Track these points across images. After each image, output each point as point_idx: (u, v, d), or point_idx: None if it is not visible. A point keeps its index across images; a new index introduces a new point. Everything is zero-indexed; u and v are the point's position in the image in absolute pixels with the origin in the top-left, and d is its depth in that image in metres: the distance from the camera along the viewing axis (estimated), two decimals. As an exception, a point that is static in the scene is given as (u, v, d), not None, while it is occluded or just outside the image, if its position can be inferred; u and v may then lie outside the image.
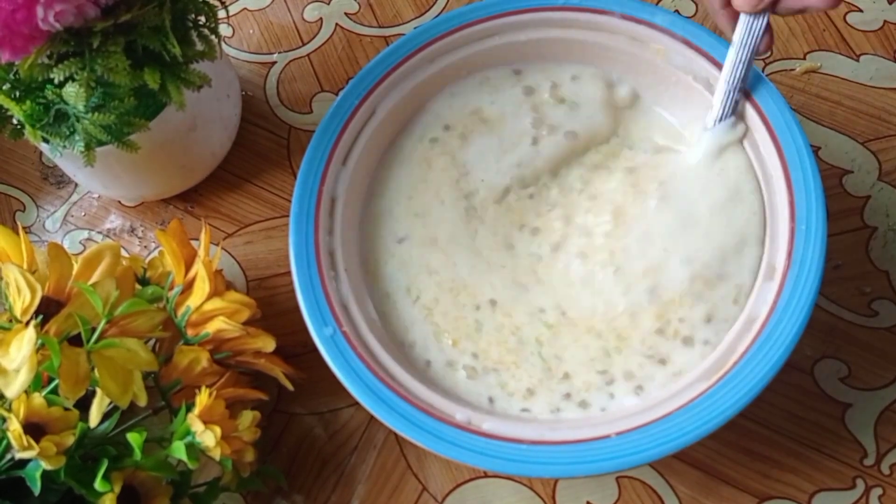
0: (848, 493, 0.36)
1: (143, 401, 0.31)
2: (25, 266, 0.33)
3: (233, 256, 0.44)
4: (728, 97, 0.33)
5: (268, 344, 0.36)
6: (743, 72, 0.33)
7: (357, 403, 0.32)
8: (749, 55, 0.32)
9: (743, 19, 0.32)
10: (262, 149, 0.46)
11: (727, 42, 0.37)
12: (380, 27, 0.49)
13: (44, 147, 0.38)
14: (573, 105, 0.38)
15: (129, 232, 0.45)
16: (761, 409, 0.38)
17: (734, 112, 0.34)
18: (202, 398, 0.32)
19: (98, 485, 0.31)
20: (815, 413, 0.38)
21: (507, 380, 0.34)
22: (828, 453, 0.37)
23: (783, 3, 0.30)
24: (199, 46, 0.37)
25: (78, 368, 0.30)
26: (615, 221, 0.35)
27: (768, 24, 0.32)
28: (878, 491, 0.36)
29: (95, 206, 0.46)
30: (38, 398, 0.30)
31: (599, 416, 0.32)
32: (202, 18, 0.37)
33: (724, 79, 0.33)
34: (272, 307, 0.41)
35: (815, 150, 0.43)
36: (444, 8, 0.49)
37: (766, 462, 0.37)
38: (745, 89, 0.34)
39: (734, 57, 0.33)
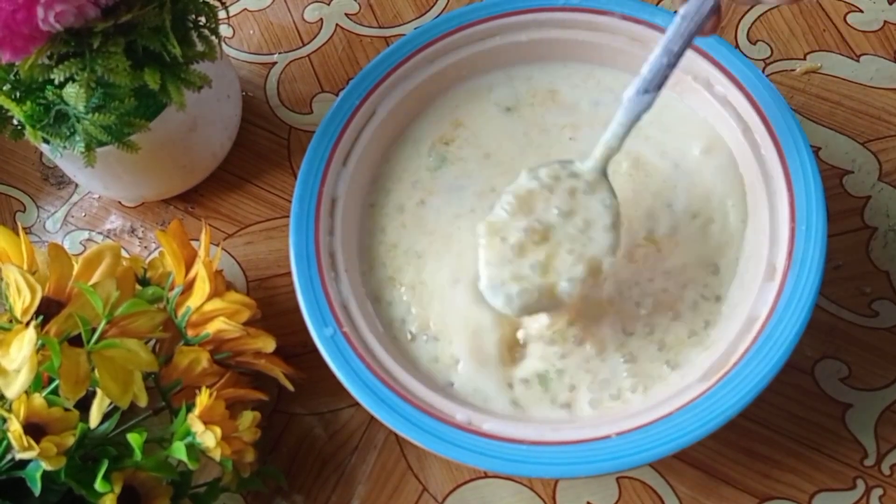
0: (848, 494, 0.36)
1: (143, 401, 0.32)
2: (26, 267, 0.33)
3: (233, 257, 0.44)
4: (659, 70, 0.31)
5: (268, 344, 0.36)
6: (682, 46, 0.31)
7: (357, 404, 0.32)
8: (691, 30, 0.31)
9: None
10: (262, 149, 0.46)
11: (728, 43, 0.37)
12: (380, 28, 0.49)
13: (44, 148, 0.38)
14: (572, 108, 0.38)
15: (130, 232, 0.45)
16: (762, 410, 0.38)
17: (659, 87, 0.31)
18: (202, 398, 0.32)
19: (98, 485, 0.31)
20: (816, 413, 0.38)
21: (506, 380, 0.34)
22: (828, 454, 0.37)
23: None
24: (200, 47, 0.37)
25: (78, 369, 0.30)
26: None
27: (718, 6, 0.30)
28: (879, 491, 0.36)
29: (96, 207, 0.46)
30: (38, 399, 0.30)
31: (600, 416, 0.32)
32: (202, 19, 0.37)
33: (661, 49, 0.31)
34: (272, 307, 0.41)
35: (816, 150, 0.43)
36: (444, 8, 0.49)
37: (766, 462, 0.37)
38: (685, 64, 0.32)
39: (676, 29, 0.31)
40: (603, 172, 0.33)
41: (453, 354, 0.34)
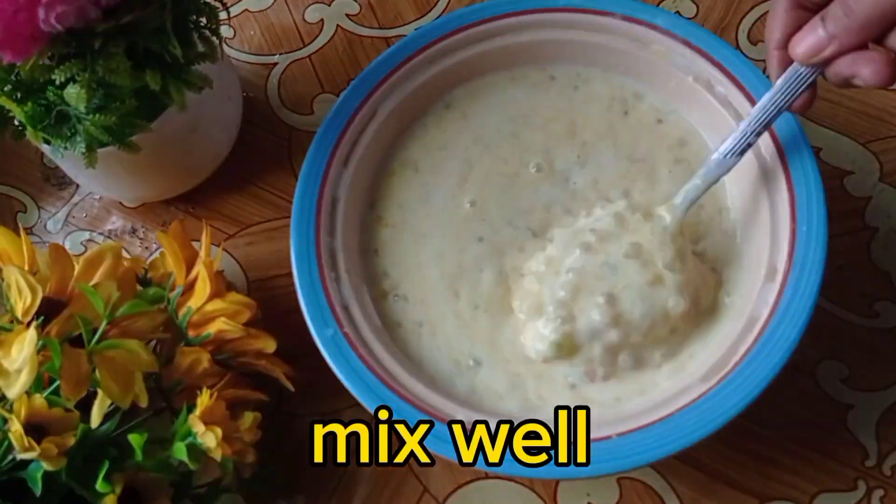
0: (849, 495, 0.36)
1: (144, 402, 0.32)
2: (27, 267, 0.33)
3: (234, 257, 0.44)
4: (745, 137, 0.32)
5: (269, 345, 0.36)
6: (769, 118, 0.32)
7: (358, 404, 0.32)
8: (783, 104, 0.31)
9: (793, 68, 0.30)
10: (263, 150, 0.46)
11: (729, 44, 0.37)
12: (381, 28, 0.49)
13: (45, 148, 0.38)
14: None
15: (131, 233, 0.45)
16: (762, 411, 0.38)
17: (742, 154, 0.32)
18: (203, 399, 0.32)
19: (99, 486, 0.31)
20: (817, 414, 0.38)
21: (508, 380, 0.34)
22: (829, 455, 0.37)
23: (834, 68, 0.29)
24: (201, 48, 0.37)
25: (79, 369, 0.30)
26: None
27: (814, 84, 0.30)
28: (880, 492, 0.36)
29: (97, 208, 0.46)
30: (39, 399, 0.30)
31: (601, 416, 0.32)
32: (203, 20, 0.37)
33: (751, 117, 0.32)
34: (273, 308, 0.41)
35: (816, 151, 0.43)
36: (445, 9, 0.49)
37: (767, 463, 0.37)
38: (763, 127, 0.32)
39: (768, 101, 0.31)
40: (679, 226, 0.34)
41: (454, 354, 0.34)
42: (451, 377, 0.34)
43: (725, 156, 0.33)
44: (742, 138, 0.32)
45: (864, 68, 0.28)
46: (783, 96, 0.31)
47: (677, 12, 0.46)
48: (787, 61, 0.31)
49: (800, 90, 0.31)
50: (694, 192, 0.33)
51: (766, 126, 0.32)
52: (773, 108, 0.31)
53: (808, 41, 0.29)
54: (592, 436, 0.31)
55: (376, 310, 0.35)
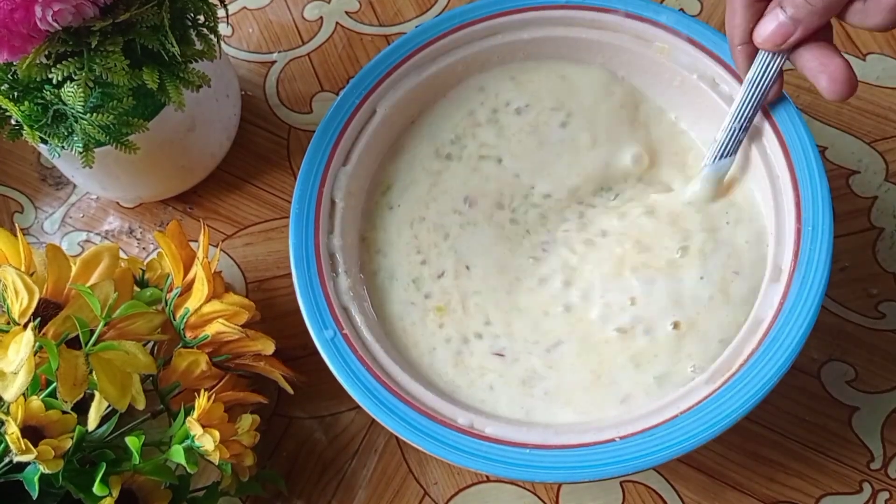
0: (854, 498, 0.36)
1: (141, 404, 0.31)
2: (23, 268, 0.33)
3: (232, 258, 0.43)
4: (732, 135, 0.33)
5: (267, 346, 0.36)
6: (750, 112, 0.32)
7: (358, 407, 0.32)
8: (760, 96, 0.32)
9: (759, 58, 0.31)
10: (261, 149, 0.46)
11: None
12: (381, 26, 0.48)
13: (42, 148, 0.38)
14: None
15: (128, 233, 0.44)
16: (767, 413, 0.37)
17: (735, 151, 0.33)
18: (201, 401, 0.32)
19: (96, 489, 0.30)
20: (822, 416, 0.37)
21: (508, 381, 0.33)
22: (834, 457, 0.37)
23: (799, 61, 0.30)
24: (199, 46, 0.36)
25: (76, 371, 0.30)
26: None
27: (781, 71, 0.31)
28: (885, 495, 0.36)
29: (94, 208, 0.45)
30: (35, 401, 0.30)
31: (603, 419, 0.32)
32: (201, 17, 0.37)
33: (731, 116, 0.33)
34: (272, 309, 0.41)
35: (822, 150, 0.42)
36: (445, 6, 0.48)
37: (772, 466, 0.37)
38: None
39: (744, 95, 0.32)
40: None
41: (456, 355, 0.34)
42: (452, 379, 0.34)
43: (717, 158, 0.33)
44: (730, 137, 0.33)
45: (824, 82, 0.29)
46: (758, 88, 0.32)
47: (681, 10, 0.45)
48: (752, 55, 0.31)
49: (772, 79, 0.31)
50: (700, 196, 0.34)
51: (751, 120, 0.32)
52: (751, 100, 0.32)
53: (772, 28, 0.30)
54: (595, 439, 0.30)
55: (376, 311, 0.35)
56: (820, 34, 0.30)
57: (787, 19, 0.29)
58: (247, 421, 0.34)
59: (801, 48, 0.30)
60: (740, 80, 0.35)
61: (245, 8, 0.50)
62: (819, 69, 0.29)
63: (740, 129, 0.33)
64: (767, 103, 0.32)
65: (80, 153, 0.34)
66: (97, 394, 0.30)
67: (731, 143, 0.33)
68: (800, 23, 0.29)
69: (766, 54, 0.31)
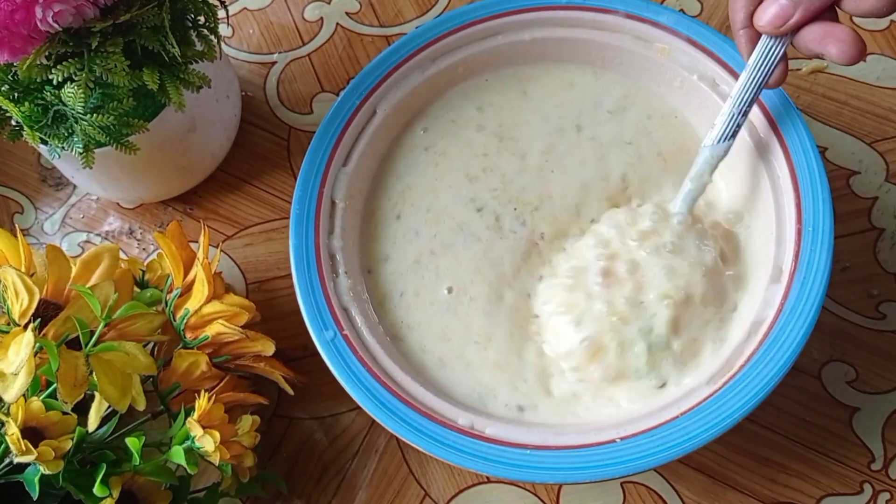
0: (855, 498, 0.36)
1: (141, 405, 0.31)
2: (23, 269, 0.33)
3: (232, 259, 0.43)
4: (732, 119, 0.32)
5: (267, 347, 0.35)
6: (751, 96, 0.32)
7: (358, 408, 0.32)
8: (761, 80, 0.32)
9: (762, 42, 0.31)
10: (262, 150, 0.46)
11: (732, 42, 0.36)
12: (381, 27, 0.48)
13: (42, 149, 0.38)
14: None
15: (128, 234, 0.44)
16: (768, 413, 0.37)
17: (734, 135, 0.33)
18: (201, 402, 0.32)
19: (97, 490, 0.30)
20: (823, 417, 0.37)
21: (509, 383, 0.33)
22: (835, 458, 0.37)
23: (803, 42, 0.30)
24: (199, 47, 0.36)
25: (76, 372, 0.30)
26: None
27: (785, 54, 0.31)
28: (886, 496, 0.36)
29: (94, 209, 0.45)
30: (36, 402, 0.30)
31: (604, 420, 0.32)
32: (202, 18, 0.37)
33: (732, 99, 0.32)
34: (272, 310, 0.41)
35: (822, 150, 0.42)
36: (446, 7, 0.48)
37: (772, 466, 0.37)
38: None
39: (745, 79, 0.32)
40: (689, 218, 0.34)
41: (456, 356, 0.34)
42: (452, 379, 0.34)
43: (716, 141, 0.33)
44: (729, 121, 0.33)
45: (832, 47, 0.29)
46: (759, 72, 0.32)
47: (682, 10, 0.45)
48: (755, 39, 0.31)
49: (774, 63, 0.31)
50: (695, 185, 0.34)
51: (751, 104, 0.32)
52: (752, 85, 0.32)
53: (773, 11, 0.29)
54: (596, 440, 0.30)
55: (376, 312, 0.35)
56: (822, 16, 0.29)
57: (787, 1, 0.29)
58: (247, 422, 0.34)
59: (803, 30, 0.30)
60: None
61: (245, 9, 0.50)
62: (824, 36, 0.29)
63: (740, 114, 0.32)
64: (769, 87, 0.32)
65: (81, 154, 0.34)
66: (97, 395, 0.30)
67: (730, 127, 0.33)
68: (799, 4, 0.29)
69: (769, 38, 0.31)
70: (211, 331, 0.35)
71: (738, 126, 0.33)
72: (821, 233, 0.32)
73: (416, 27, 0.39)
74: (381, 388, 0.32)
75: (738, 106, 0.32)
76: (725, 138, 0.33)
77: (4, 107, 0.34)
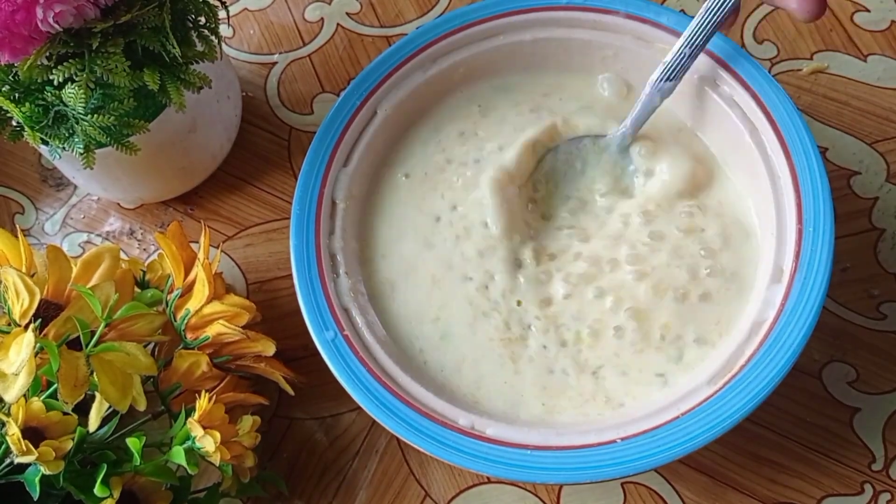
0: (856, 499, 0.36)
1: (142, 405, 0.31)
2: (24, 269, 0.33)
3: (233, 259, 0.43)
4: (681, 59, 0.34)
5: (268, 348, 0.36)
6: (703, 38, 0.33)
7: (359, 408, 0.32)
8: (714, 23, 0.33)
9: None
10: (262, 150, 0.46)
11: (733, 42, 0.36)
12: (382, 27, 0.48)
13: (43, 149, 0.38)
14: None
15: (129, 234, 0.44)
16: (769, 414, 0.37)
17: (680, 77, 0.34)
18: (202, 403, 0.32)
19: (97, 490, 0.30)
20: (823, 417, 0.37)
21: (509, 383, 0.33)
22: (836, 458, 0.37)
23: None
24: (199, 47, 0.36)
25: (77, 372, 0.30)
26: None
27: (738, 3, 0.32)
28: (887, 496, 0.36)
29: (95, 209, 0.45)
30: (36, 402, 0.30)
31: (605, 420, 0.32)
32: (202, 19, 0.37)
33: (684, 39, 0.33)
34: (272, 310, 0.41)
35: (823, 151, 0.42)
36: (446, 7, 0.48)
37: (773, 467, 0.37)
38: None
39: (699, 20, 0.33)
40: (626, 147, 0.35)
41: (456, 356, 0.34)
42: (453, 380, 0.34)
43: (663, 79, 0.34)
44: (678, 60, 0.34)
45: (793, 2, 0.29)
46: (714, 15, 0.33)
47: (682, 11, 0.45)
48: None
49: (728, 9, 0.32)
50: (634, 121, 0.35)
51: (700, 48, 0.33)
52: (704, 28, 0.33)
53: None
54: (597, 440, 0.30)
55: (376, 312, 0.35)
56: None
57: None
58: (247, 422, 0.34)
59: None
60: (741, 82, 0.35)
61: (246, 9, 0.50)
62: None
63: (689, 56, 0.34)
64: (722, 30, 0.33)
65: (81, 154, 0.34)
66: (98, 395, 0.30)
67: (677, 68, 0.34)
68: None
69: None
70: (211, 331, 0.35)
71: (686, 68, 0.34)
72: (821, 233, 0.32)
73: (417, 27, 0.39)
74: (382, 389, 0.32)
75: (690, 46, 0.33)
76: (671, 79, 0.34)
77: (5, 107, 0.34)
